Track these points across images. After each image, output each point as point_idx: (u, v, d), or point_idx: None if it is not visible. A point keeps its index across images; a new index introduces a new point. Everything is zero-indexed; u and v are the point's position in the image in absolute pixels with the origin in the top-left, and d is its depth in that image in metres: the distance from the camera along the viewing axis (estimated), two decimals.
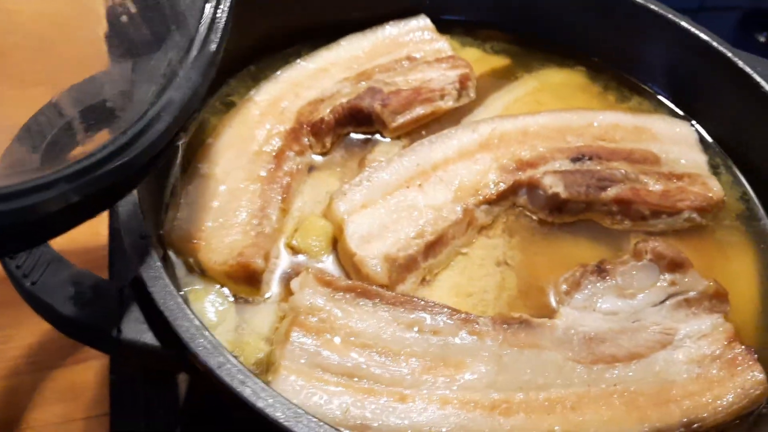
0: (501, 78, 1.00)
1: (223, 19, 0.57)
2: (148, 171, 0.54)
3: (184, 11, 0.57)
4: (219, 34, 0.57)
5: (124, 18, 0.61)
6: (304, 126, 0.85)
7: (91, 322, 0.59)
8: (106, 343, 0.59)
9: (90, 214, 0.50)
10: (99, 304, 0.59)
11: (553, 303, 0.75)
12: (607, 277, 0.76)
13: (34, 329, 0.92)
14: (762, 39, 2.02)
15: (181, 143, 0.80)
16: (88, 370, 0.89)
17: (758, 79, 0.88)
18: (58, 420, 0.84)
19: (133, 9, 0.60)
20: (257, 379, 0.54)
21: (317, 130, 0.85)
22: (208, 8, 0.56)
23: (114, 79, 0.76)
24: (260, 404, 0.53)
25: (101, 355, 0.91)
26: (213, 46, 0.56)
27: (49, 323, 0.61)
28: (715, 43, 0.92)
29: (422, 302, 0.70)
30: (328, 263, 0.76)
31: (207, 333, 0.56)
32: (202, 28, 0.55)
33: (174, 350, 0.58)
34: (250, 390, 0.54)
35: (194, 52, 0.55)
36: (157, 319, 0.58)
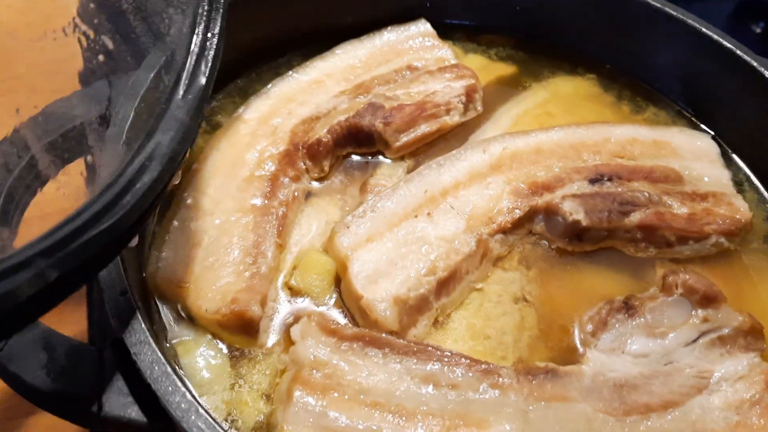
0: (508, 86, 0.93)
1: (213, 48, 0.49)
2: (137, 230, 0.46)
3: (168, 39, 0.49)
4: (209, 66, 0.49)
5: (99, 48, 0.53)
6: (300, 147, 0.78)
7: (66, 395, 0.51)
8: (85, 419, 0.52)
9: (71, 289, 0.42)
10: (75, 374, 0.52)
11: (578, 344, 0.69)
12: (636, 315, 0.69)
13: None
14: (758, 30, 1.97)
15: None
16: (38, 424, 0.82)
17: None
18: None
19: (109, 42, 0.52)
20: None
21: (314, 152, 0.77)
22: (196, 37, 0.48)
23: (87, 101, 0.68)
24: None
25: None
26: (203, 80, 0.48)
27: (20, 395, 0.53)
28: (738, 51, 0.86)
29: (438, 352, 0.63)
30: (331, 304, 0.69)
31: (201, 410, 0.49)
32: (191, 61, 0.48)
33: (163, 425, 0.51)
34: None
35: (182, 88, 0.47)
36: (143, 391, 0.51)
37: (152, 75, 0.57)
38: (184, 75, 0.48)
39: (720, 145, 0.88)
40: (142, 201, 0.44)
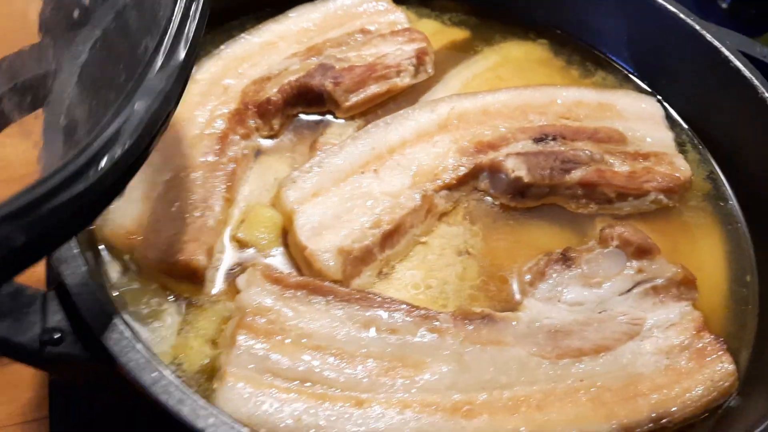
0: (460, 52, 0.95)
1: (199, 10, 0.49)
2: (111, 200, 0.45)
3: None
4: (194, 30, 0.49)
5: None
6: (250, 107, 0.79)
7: (11, 336, 0.53)
8: (29, 357, 0.53)
9: (40, 255, 0.41)
10: (18, 315, 0.53)
11: (517, 294, 0.72)
12: (573, 266, 0.72)
13: None
14: (724, 5, 2.00)
15: None
16: (25, 369, 0.83)
17: (726, 53, 0.85)
18: None
19: None
20: (197, 396, 0.50)
21: (264, 110, 0.79)
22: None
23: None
24: (200, 425, 0.49)
25: None
26: (185, 47, 0.48)
27: None
28: (682, 15, 0.88)
29: (379, 298, 0.65)
30: (278, 257, 0.71)
31: (139, 345, 0.51)
32: (173, 25, 0.47)
33: (104, 363, 0.53)
34: (188, 409, 0.49)
35: (162, 54, 0.46)
36: (84, 330, 0.53)
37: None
38: (166, 39, 0.47)
39: (665, 108, 0.91)
40: (114, 169, 0.43)
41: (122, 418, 0.76)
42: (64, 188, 0.40)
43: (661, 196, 0.80)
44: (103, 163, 0.42)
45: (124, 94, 0.45)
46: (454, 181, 0.76)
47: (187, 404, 0.49)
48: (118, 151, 0.43)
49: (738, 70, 0.83)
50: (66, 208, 0.40)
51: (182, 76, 0.48)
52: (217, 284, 0.68)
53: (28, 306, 0.54)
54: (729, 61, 0.84)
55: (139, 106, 0.44)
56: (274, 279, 0.65)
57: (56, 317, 0.54)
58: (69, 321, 0.54)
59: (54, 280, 0.64)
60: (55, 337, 0.53)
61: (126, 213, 0.68)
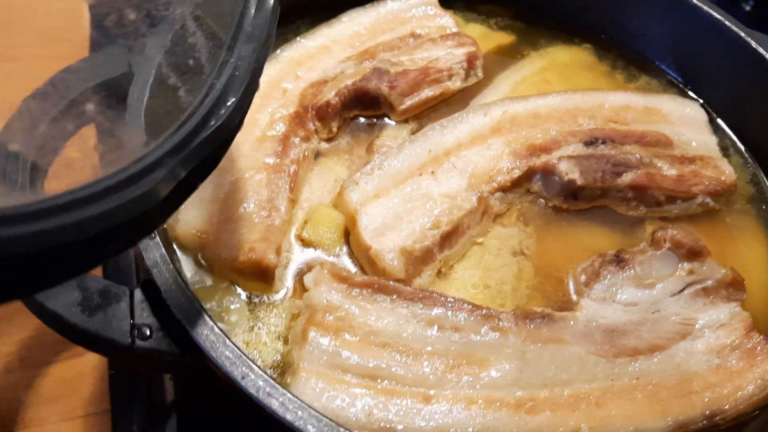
0: (507, 56, 0.97)
1: None
2: (239, 129, 0.50)
3: None
4: None
5: None
6: (309, 110, 0.81)
7: (101, 331, 0.55)
8: (121, 352, 0.56)
9: (188, 193, 0.45)
10: (109, 311, 0.56)
11: (573, 294, 0.74)
12: (626, 267, 0.74)
13: (27, 324, 0.88)
14: (747, 7, 2.01)
15: None
16: (85, 365, 0.86)
17: None
18: (56, 418, 0.81)
19: None
20: (284, 390, 0.52)
21: (323, 114, 0.81)
22: None
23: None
24: (289, 417, 0.51)
25: None
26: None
27: (56, 332, 0.57)
28: (727, 23, 0.90)
29: (442, 298, 0.68)
30: (341, 256, 0.73)
31: (229, 342, 0.53)
32: None
33: (193, 358, 0.55)
34: (278, 402, 0.51)
35: (252, 6, 0.51)
36: (174, 326, 0.55)
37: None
38: None
39: (708, 113, 0.92)
40: (242, 102, 0.48)
41: (180, 411, 0.79)
42: (205, 123, 0.45)
43: (708, 199, 0.82)
44: (229, 102, 0.47)
45: (227, 44, 0.50)
46: (508, 184, 0.78)
47: (276, 398, 0.51)
48: (239, 90, 0.48)
49: None
50: (210, 141, 0.45)
51: (274, 19, 0.54)
52: (286, 282, 0.70)
53: (116, 302, 0.57)
54: None
55: (246, 50, 0.50)
56: (341, 278, 0.67)
57: (144, 313, 0.57)
58: (156, 317, 0.57)
59: (140, 277, 0.66)
60: (145, 332, 0.56)
61: (197, 213, 0.70)
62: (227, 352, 0.53)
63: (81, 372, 0.86)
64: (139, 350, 0.56)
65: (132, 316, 0.56)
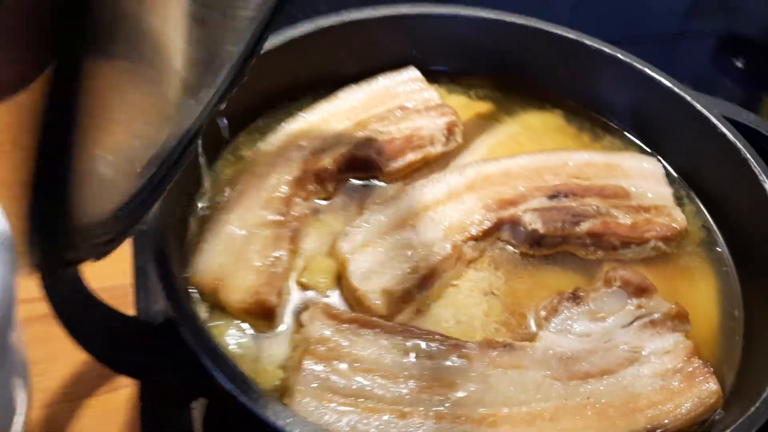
0: (485, 121, 1.10)
1: None
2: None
3: None
4: None
5: None
6: (309, 174, 0.95)
7: (125, 363, 0.68)
8: (143, 379, 0.69)
9: None
10: (132, 346, 0.69)
11: (533, 327, 0.85)
12: (581, 303, 0.85)
13: (69, 362, 1.01)
14: (739, 64, 2.13)
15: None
16: (120, 398, 0.98)
17: (714, 120, 0.99)
18: None
19: None
20: (277, 402, 0.64)
21: (321, 177, 0.95)
22: None
23: None
24: (279, 423, 0.63)
25: (131, 383, 1.00)
26: None
27: (96, 359, 0.70)
28: (675, 88, 1.03)
29: (417, 330, 0.80)
30: (334, 297, 0.86)
31: (236, 368, 0.66)
32: None
33: (203, 383, 0.68)
34: (272, 412, 0.63)
35: None
36: (191, 360, 0.68)
37: None
38: None
39: (665, 167, 1.05)
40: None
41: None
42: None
43: (660, 244, 0.94)
44: None
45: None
46: (480, 234, 0.91)
47: (270, 408, 0.64)
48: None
49: (724, 135, 0.97)
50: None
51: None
52: (286, 320, 0.83)
53: (140, 338, 0.70)
54: (716, 127, 0.98)
55: None
56: (332, 315, 0.79)
57: (165, 347, 0.70)
58: (175, 350, 0.69)
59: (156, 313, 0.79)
60: (168, 362, 0.68)
61: (212, 262, 0.84)
62: (250, 392, 0.65)
63: (117, 405, 0.98)
64: (159, 378, 0.68)
65: (156, 347, 0.69)
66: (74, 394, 0.99)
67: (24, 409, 0.81)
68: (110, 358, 0.68)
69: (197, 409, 0.92)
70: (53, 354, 1.02)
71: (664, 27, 1.69)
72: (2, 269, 0.66)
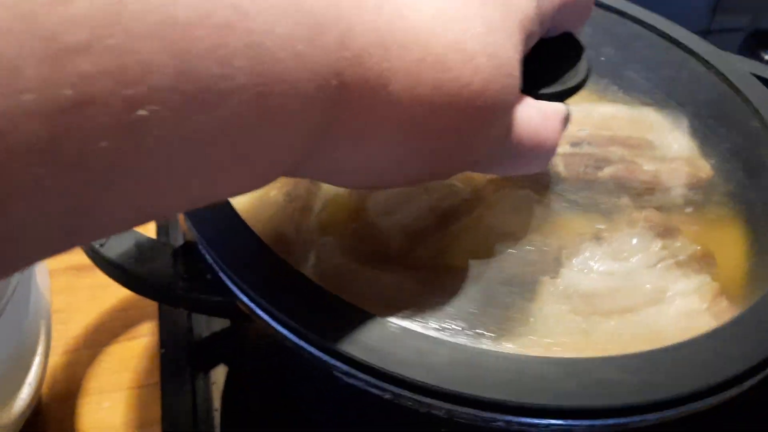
0: None
1: None
2: None
3: None
4: None
5: None
6: None
7: (154, 280, 0.68)
8: (171, 297, 0.69)
9: None
10: (158, 261, 0.69)
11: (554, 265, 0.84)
12: (604, 244, 0.84)
13: (90, 312, 1.02)
14: (767, 57, 2.11)
15: None
16: (139, 346, 0.99)
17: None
18: (113, 388, 0.94)
19: None
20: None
21: None
22: None
23: None
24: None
25: (150, 332, 1.01)
26: None
27: (118, 282, 0.70)
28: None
29: (436, 265, 0.79)
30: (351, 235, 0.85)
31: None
32: None
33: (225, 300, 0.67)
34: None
35: None
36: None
37: None
38: None
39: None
40: None
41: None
42: None
43: (686, 191, 0.92)
44: None
45: None
46: (500, 177, 0.90)
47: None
48: None
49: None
50: None
51: None
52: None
53: (163, 255, 0.70)
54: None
55: None
56: (351, 249, 0.79)
57: (185, 264, 0.69)
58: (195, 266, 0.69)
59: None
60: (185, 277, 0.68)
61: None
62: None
63: (135, 352, 0.99)
64: (181, 292, 0.68)
65: (174, 265, 0.69)
66: (94, 342, 1.00)
67: (43, 349, 0.82)
68: (132, 278, 0.68)
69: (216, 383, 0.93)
70: (75, 304, 1.03)
71: (689, 24, 1.66)
72: None
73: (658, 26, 1.11)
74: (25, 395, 0.75)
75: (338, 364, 0.58)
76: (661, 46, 1.10)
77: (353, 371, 0.57)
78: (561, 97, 0.66)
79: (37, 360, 0.80)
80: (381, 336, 0.62)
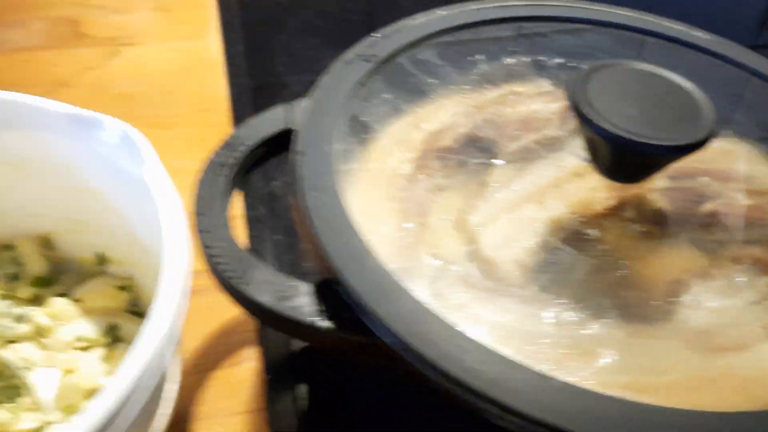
0: None
1: None
2: None
3: None
4: None
5: None
6: (430, 153, 0.97)
7: (291, 315, 0.71)
8: (305, 334, 0.71)
9: None
10: (296, 300, 0.72)
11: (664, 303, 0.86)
12: (711, 280, 0.86)
13: (197, 336, 1.05)
14: None
15: None
16: (245, 372, 1.02)
17: None
18: (221, 414, 0.97)
19: None
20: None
21: (442, 157, 0.97)
22: None
23: None
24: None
25: (255, 357, 1.04)
26: None
27: (255, 316, 0.73)
28: None
29: (553, 299, 0.81)
30: (463, 268, 0.87)
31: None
32: None
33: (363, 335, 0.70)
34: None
35: None
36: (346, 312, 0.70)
37: None
38: None
39: None
40: None
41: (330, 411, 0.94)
42: None
43: None
44: None
45: None
46: (604, 211, 0.92)
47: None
48: None
49: None
50: None
51: None
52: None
53: (302, 294, 0.73)
54: None
55: None
56: (469, 284, 0.81)
57: (324, 302, 0.72)
58: (334, 305, 0.72)
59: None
60: (324, 316, 0.71)
61: None
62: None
63: (242, 377, 1.01)
64: (321, 331, 0.71)
65: (312, 306, 0.72)
66: (201, 366, 1.03)
67: (178, 377, 0.85)
68: (272, 316, 0.71)
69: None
70: (184, 328, 1.06)
71: (736, 39, 1.67)
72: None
73: (731, 56, 1.12)
74: (159, 424, 0.78)
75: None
76: (739, 76, 1.11)
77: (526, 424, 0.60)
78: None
79: (173, 388, 0.83)
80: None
